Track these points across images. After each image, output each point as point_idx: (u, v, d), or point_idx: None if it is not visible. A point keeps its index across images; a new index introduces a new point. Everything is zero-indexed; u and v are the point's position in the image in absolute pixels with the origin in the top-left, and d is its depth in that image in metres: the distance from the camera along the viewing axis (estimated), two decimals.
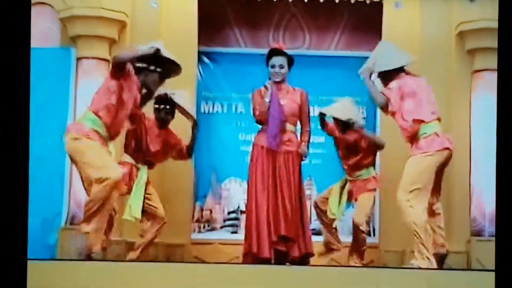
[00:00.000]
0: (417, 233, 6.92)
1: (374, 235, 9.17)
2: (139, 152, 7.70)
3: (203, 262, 7.81)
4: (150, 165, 7.74)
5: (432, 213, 7.30)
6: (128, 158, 7.74)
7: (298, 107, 7.56)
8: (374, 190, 8.37)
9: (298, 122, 7.68)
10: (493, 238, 8.21)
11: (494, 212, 8.28)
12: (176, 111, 7.79)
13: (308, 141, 7.63)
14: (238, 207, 9.25)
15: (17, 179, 2.93)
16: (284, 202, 7.32)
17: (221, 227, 9.42)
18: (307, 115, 7.66)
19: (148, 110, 7.77)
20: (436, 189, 7.32)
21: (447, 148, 7.16)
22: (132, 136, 7.72)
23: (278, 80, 7.48)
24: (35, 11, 8.46)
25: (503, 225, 3.35)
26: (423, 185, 7.06)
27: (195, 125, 7.89)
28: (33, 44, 8.35)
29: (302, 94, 7.61)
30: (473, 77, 8.61)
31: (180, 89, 7.79)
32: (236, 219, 9.35)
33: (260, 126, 7.59)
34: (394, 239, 8.61)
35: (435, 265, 6.97)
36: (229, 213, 9.41)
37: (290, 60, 7.59)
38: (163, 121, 7.76)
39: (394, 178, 8.35)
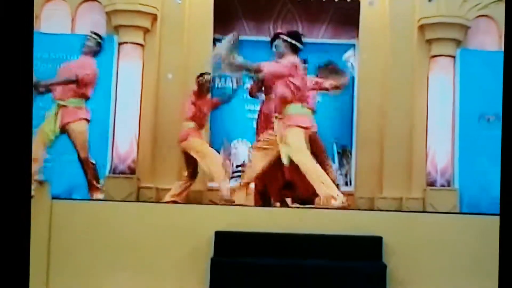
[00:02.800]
0: (325, 182, 6.57)
1: (350, 184, 9.22)
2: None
3: (216, 204, 7.87)
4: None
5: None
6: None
7: None
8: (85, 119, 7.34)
9: None
10: (444, 188, 8.44)
11: (444, 168, 8.50)
12: None
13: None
14: (244, 161, 9.28)
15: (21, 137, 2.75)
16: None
17: (230, 178, 9.47)
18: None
19: None
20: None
21: (308, 128, 6.72)
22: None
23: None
24: (86, 6, 8.68)
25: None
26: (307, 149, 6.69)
27: None
28: (84, 32, 8.54)
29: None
30: (431, 61, 8.73)
31: None
32: (242, 171, 9.38)
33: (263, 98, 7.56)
34: (366, 188, 8.70)
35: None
36: (236, 166, 9.47)
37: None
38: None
39: (369, 137, 8.50)
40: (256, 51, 8.35)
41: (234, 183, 9.09)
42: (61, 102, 7.15)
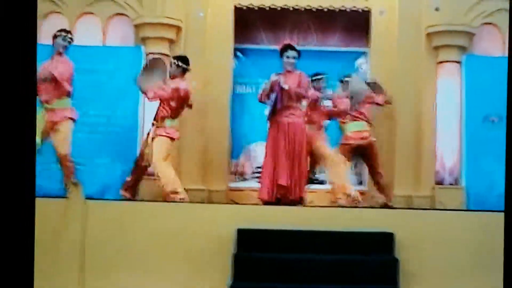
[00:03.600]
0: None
1: (363, 184, 9.16)
2: None
3: (237, 203, 7.89)
4: None
5: None
6: None
7: (298, 85, 7.47)
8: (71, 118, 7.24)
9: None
10: (451, 186, 8.42)
11: (452, 167, 8.48)
12: None
13: (300, 94, 7.47)
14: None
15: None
16: (291, 160, 7.31)
17: (250, 178, 9.49)
18: (303, 86, 7.48)
19: None
20: None
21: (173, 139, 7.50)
22: None
23: (291, 68, 7.45)
24: (116, 19, 8.73)
25: None
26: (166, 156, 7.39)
27: None
28: (114, 43, 8.65)
29: (300, 75, 7.51)
30: (438, 67, 8.69)
31: None
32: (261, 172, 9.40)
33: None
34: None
35: None
36: (256, 168, 9.47)
37: (299, 53, 7.59)
38: None
39: (380, 139, 8.46)
40: (274, 60, 8.34)
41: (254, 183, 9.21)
42: (48, 106, 7.04)
